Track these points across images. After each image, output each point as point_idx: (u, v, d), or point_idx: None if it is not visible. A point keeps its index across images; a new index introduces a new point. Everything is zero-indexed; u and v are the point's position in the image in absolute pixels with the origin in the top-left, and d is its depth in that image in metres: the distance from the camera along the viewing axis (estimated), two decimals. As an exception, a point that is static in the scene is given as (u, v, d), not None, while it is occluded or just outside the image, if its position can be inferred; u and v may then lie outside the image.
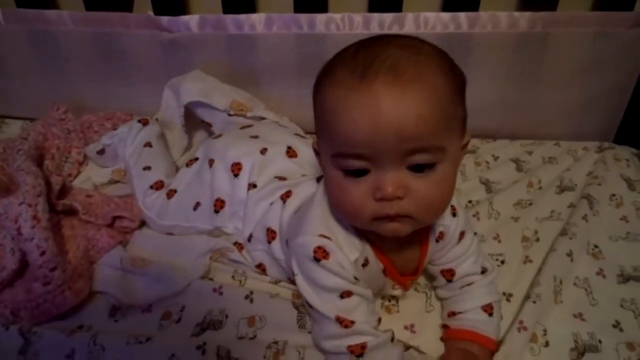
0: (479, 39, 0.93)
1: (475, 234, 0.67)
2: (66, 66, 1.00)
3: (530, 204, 0.86)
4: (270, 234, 0.69)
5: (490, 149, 0.98)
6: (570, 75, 0.96)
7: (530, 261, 0.75)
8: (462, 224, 0.64)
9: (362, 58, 0.51)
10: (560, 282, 0.70)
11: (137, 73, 0.99)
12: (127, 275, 0.73)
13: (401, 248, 0.61)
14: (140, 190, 0.83)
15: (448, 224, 0.63)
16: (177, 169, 0.91)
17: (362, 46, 0.54)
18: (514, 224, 0.82)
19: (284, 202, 0.69)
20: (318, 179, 0.68)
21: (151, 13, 0.94)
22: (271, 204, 0.71)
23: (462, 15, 0.91)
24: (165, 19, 0.92)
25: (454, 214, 0.64)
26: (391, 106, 0.48)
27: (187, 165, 0.83)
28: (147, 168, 0.85)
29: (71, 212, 0.80)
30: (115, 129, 0.92)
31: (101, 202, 0.84)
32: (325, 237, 0.58)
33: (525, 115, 1.01)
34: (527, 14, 0.91)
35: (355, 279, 0.58)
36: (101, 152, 0.92)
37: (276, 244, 0.69)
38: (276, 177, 0.74)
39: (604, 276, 0.73)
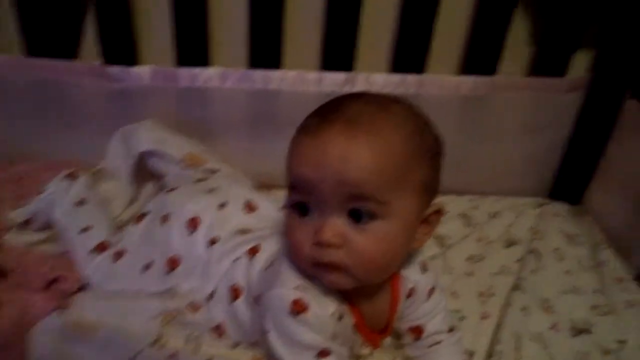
0: (426, 100, 0.96)
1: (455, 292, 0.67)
2: (4, 112, 0.93)
3: (482, 259, 0.88)
4: (235, 292, 0.66)
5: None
6: (510, 136, 1.02)
7: (488, 317, 0.76)
8: (431, 280, 0.64)
9: (328, 109, 0.54)
10: (519, 338, 0.72)
11: (81, 122, 0.94)
12: (69, 343, 0.66)
13: (372, 303, 0.60)
14: (80, 256, 0.76)
15: (418, 279, 0.63)
16: (120, 225, 0.86)
17: (336, 99, 0.56)
18: (469, 279, 0.84)
19: (252, 257, 0.66)
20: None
21: (98, 61, 0.91)
22: (235, 259, 0.68)
23: (410, 77, 0.95)
24: (115, 69, 0.89)
25: (425, 270, 0.64)
26: (334, 152, 0.50)
27: (136, 221, 0.78)
28: (86, 229, 0.78)
29: (0, 273, 0.73)
30: (39, 191, 0.83)
31: (36, 262, 0.76)
32: (303, 289, 0.56)
33: (470, 173, 1.05)
34: (470, 78, 0.96)
35: (334, 336, 0.56)
36: (27, 222, 0.82)
37: (240, 303, 0.65)
38: (238, 231, 0.72)
39: (557, 330, 0.75)
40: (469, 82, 0.96)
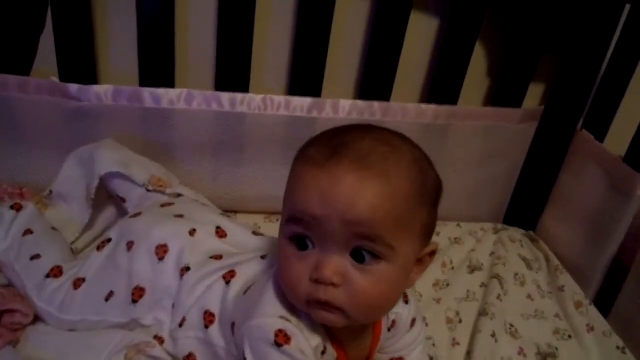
0: (390, 127, 0.96)
1: (424, 319, 0.67)
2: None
3: (448, 285, 0.89)
4: (209, 318, 0.63)
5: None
6: (468, 163, 1.05)
7: (458, 344, 0.77)
8: (413, 311, 0.64)
9: (336, 141, 0.52)
10: (491, 364, 0.73)
11: (33, 142, 0.88)
12: (22, 383, 0.61)
13: (355, 336, 0.59)
14: (32, 284, 0.70)
15: (400, 312, 0.62)
16: (76, 252, 0.81)
17: (342, 130, 0.55)
18: (437, 306, 0.84)
19: (228, 282, 0.64)
20: (262, 257, 0.66)
21: (55, 79, 0.86)
22: (209, 285, 0.65)
23: (376, 104, 0.96)
24: (74, 87, 0.85)
25: (407, 302, 0.63)
26: (344, 190, 0.49)
27: (98, 248, 0.73)
28: (36, 257, 0.73)
29: (-56, 307, 0.66)
30: None
31: (-18, 293, 0.70)
32: (287, 319, 0.54)
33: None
34: (433, 106, 0.98)
35: None
36: None
37: (215, 329, 0.62)
38: (211, 257, 0.69)
39: (525, 355, 0.77)
40: (430, 110, 0.98)
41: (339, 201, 0.49)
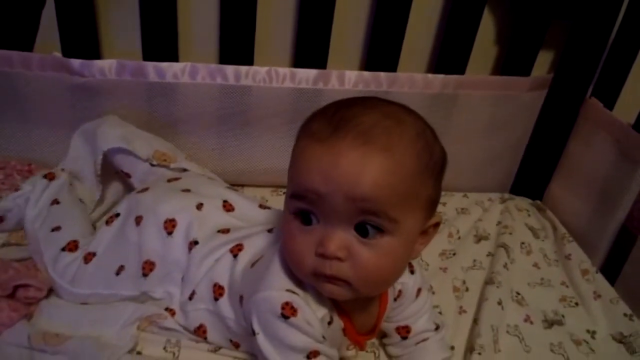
0: (397, 98, 0.95)
1: (430, 287, 0.68)
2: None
3: (454, 254, 0.90)
4: (218, 290, 0.64)
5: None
6: (475, 133, 1.04)
7: (465, 311, 0.78)
8: (419, 281, 0.64)
9: (340, 115, 0.52)
10: (497, 331, 0.73)
11: (38, 118, 0.88)
12: (37, 355, 0.62)
13: (361, 306, 0.60)
14: (49, 255, 0.71)
15: (406, 281, 0.63)
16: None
17: (346, 103, 0.54)
18: (443, 275, 0.85)
19: (235, 255, 0.64)
20: (269, 231, 0.66)
21: (57, 54, 0.86)
22: (217, 259, 0.66)
23: (382, 75, 0.95)
24: (77, 62, 0.84)
25: (412, 272, 0.64)
26: (348, 166, 0.49)
27: (107, 223, 0.74)
28: (57, 229, 0.74)
29: (-41, 281, 0.68)
30: (16, 188, 0.78)
31: (-2, 268, 0.71)
32: (293, 292, 0.55)
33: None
34: (440, 76, 0.97)
35: (323, 337, 0.55)
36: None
37: (224, 301, 0.63)
38: (218, 231, 0.69)
39: (531, 322, 0.77)
40: (438, 80, 0.97)
41: (342, 178, 0.48)
